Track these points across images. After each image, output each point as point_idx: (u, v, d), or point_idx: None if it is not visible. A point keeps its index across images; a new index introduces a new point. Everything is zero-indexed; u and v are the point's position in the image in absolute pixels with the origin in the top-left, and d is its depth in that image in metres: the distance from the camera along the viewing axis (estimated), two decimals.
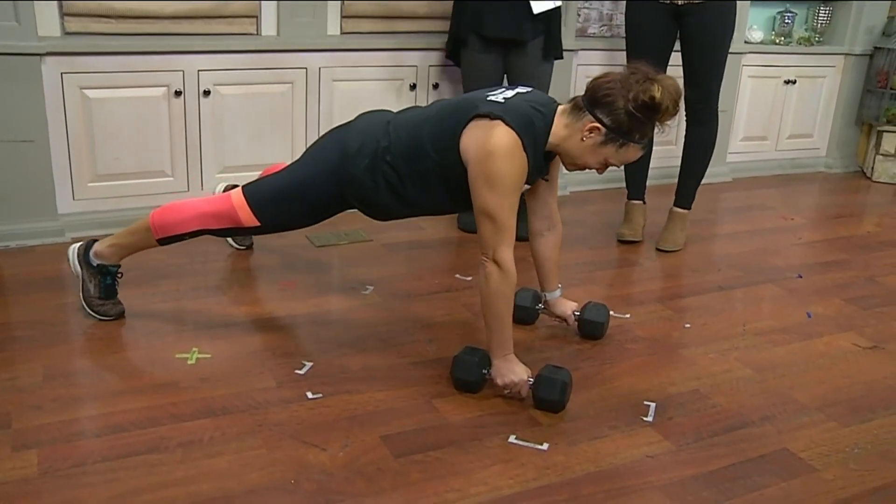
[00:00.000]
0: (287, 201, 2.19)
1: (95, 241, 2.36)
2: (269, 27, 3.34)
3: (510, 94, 2.04)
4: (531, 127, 1.97)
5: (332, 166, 2.14)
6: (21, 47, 2.77)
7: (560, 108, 2.06)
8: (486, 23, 3.08)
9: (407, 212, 2.21)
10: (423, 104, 3.57)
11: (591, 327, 2.41)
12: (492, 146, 1.91)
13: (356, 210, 2.27)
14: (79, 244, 2.38)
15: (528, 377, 2.01)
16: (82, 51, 2.92)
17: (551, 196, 2.30)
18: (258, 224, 2.21)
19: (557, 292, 2.42)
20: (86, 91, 2.96)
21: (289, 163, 2.56)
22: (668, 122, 1.99)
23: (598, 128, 1.96)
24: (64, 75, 2.90)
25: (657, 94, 1.90)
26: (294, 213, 2.22)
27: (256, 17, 3.31)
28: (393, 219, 2.28)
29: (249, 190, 2.22)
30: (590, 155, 2.02)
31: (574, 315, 2.41)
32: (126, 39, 3.05)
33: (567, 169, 2.12)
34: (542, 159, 2.06)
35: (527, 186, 2.14)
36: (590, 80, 2.03)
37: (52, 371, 2.07)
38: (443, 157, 2.03)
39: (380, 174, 2.10)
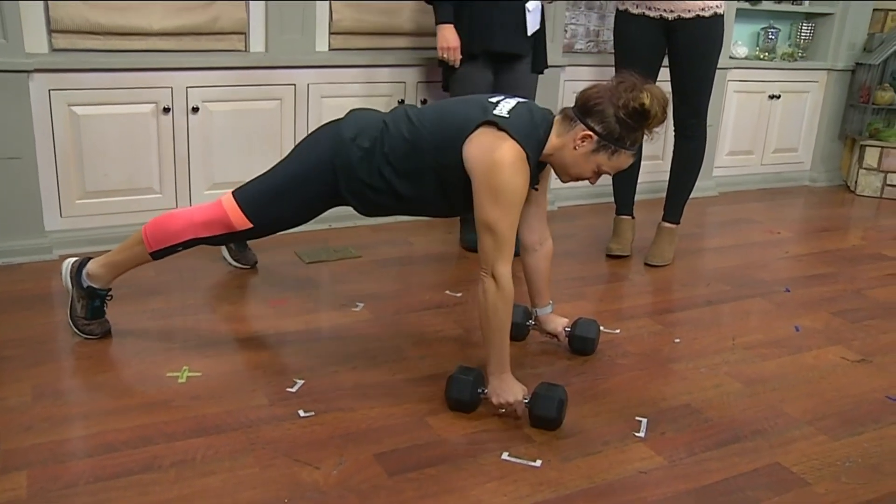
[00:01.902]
0: (279, 198, 2.18)
1: (89, 258, 2.35)
2: (257, 43, 3.35)
3: (511, 103, 2.05)
4: (534, 138, 2.01)
5: (327, 156, 2.13)
6: (8, 64, 2.76)
7: (553, 119, 2.09)
8: (488, 39, 3.09)
9: (397, 207, 2.20)
10: None
11: (581, 343, 2.41)
12: (498, 158, 1.93)
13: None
14: (74, 260, 2.36)
15: (524, 396, 2.01)
16: (70, 67, 2.91)
17: (541, 210, 2.32)
18: (250, 226, 2.19)
19: (549, 308, 2.43)
20: (74, 108, 2.95)
21: None
22: (657, 129, 2.03)
23: (590, 136, 2.00)
24: (52, 92, 2.90)
25: (646, 101, 1.94)
26: (286, 210, 2.20)
27: (245, 33, 3.31)
28: (381, 214, 2.24)
29: (239, 193, 2.20)
30: (583, 163, 2.05)
31: (565, 331, 2.42)
32: (114, 56, 3.04)
33: (562, 181, 2.15)
34: (535, 169, 2.08)
35: None
36: (577, 92, 2.07)
37: (42, 390, 2.06)
38: (443, 157, 2.03)
39: (375, 166, 2.10)
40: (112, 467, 1.75)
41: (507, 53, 3.14)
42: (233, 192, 2.22)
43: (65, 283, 2.35)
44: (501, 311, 1.98)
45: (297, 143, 2.31)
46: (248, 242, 3.02)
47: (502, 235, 1.95)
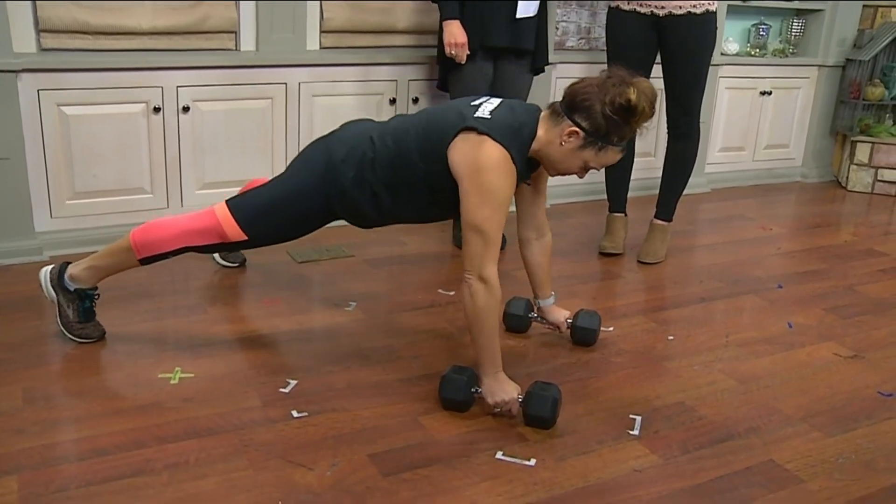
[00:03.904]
0: (274, 213, 2.16)
1: (68, 263, 2.31)
2: (248, 42, 3.33)
3: (494, 104, 2.06)
4: (517, 138, 2.00)
5: (319, 177, 2.13)
6: None
7: (540, 114, 2.08)
8: (486, 34, 3.08)
9: (394, 220, 2.22)
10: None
11: (583, 334, 2.45)
12: (482, 161, 1.93)
13: (337, 223, 2.26)
14: (50, 268, 2.32)
15: (518, 395, 2.01)
16: (59, 67, 2.89)
17: (539, 205, 2.34)
18: (245, 238, 2.18)
19: (551, 300, 2.45)
20: (63, 108, 2.93)
21: (263, 178, 2.55)
22: (646, 125, 2.02)
23: (576, 132, 1.99)
24: (41, 92, 2.87)
25: (633, 97, 1.93)
26: (282, 225, 2.19)
27: (235, 32, 3.29)
28: (379, 226, 2.25)
29: (234, 204, 2.19)
30: (570, 159, 2.04)
31: (567, 322, 2.44)
32: (104, 56, 3.02)
33: (549, 174, 2.16)
34: (525, 166, 2.08)
35: None
36: (567, 86, 2.05)
37: (33, 394, 2.04)
38: (429, 165, 2.04)
39: (367, 185, 2.10)
40: (104, 471, 1.74)
41: (505, 48, 3.13)
42: (227, 202, 2.20)
43: (47, 293, 2.31)
44: (493, 312, 1.98)
45: (287, 151, 2.29)
46: None
47: (490, 236, 1.95)
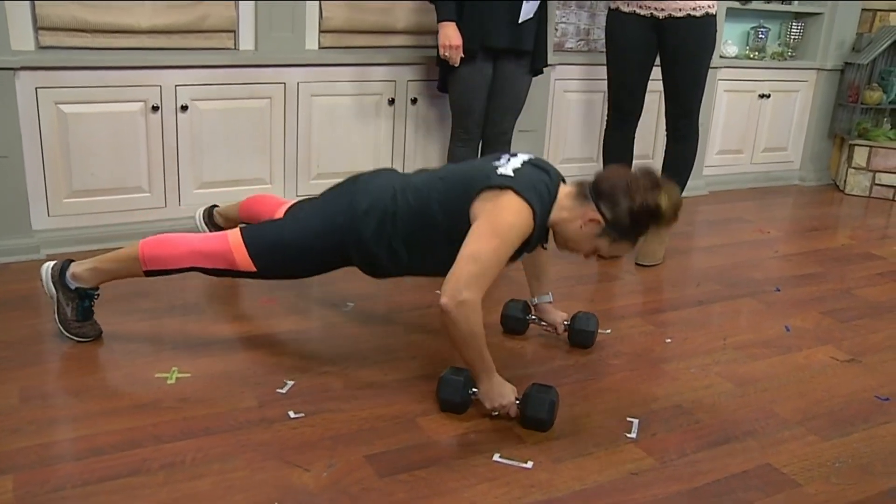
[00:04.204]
0: (287, 251, 2.15)
1: (70, 261, 2.30)
2: (246, 42, 3.33)
3: (518, 164, 2.07)
4: (540, 197, 2.01)
5: (339, 225, 2.11)
6: None
7: (565, 188, 2.10)
8: (486, 34, 3.07)
9: (409, 273, 2.21)
10: (402, 120, 3.59)
11: (581, 336, 2.45)
12: (503, 203, 1.96)
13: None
14: (52, 264, 2.30)
15: (516, 397, 2.01)
16: (57, 65, 2.88)
17: None
18: (254, 270, 2.16)
19: (547, 297, 2.46)
20: (61, 106, 2.92)
21: (270, 196, 2.56)
22: (664, 229, 2.08)
23: (598, 220, 2.01)
24: (38, 90, 2.86)
25: (662, 204, 1.97)
26: (292, 264, 2.18)
27: (234, 31, 3.29)
28: (392, 276, 2.24)
29: (249, 234, 2.17)
30: (584, 242, 2.07)
31: (564, 324, 2.44)
32: (102, 54, 3.02)
33: (557, 248, 2.16)
34: (545, 230, 2.10)
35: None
36: (599, 171, 2.10)
37: (29, 393, 2.03)
38: (450, 223, 2.04)
39: (386, 238, 2.09)
40: (100, 470, 1.74)
41: (505, 49, 3.13)
42: (242, 230, 2.19)
43: (47, 288, 2.30)
44: (478, 329, 1.94)
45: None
46: None
47: (488, 266, 1.92)
